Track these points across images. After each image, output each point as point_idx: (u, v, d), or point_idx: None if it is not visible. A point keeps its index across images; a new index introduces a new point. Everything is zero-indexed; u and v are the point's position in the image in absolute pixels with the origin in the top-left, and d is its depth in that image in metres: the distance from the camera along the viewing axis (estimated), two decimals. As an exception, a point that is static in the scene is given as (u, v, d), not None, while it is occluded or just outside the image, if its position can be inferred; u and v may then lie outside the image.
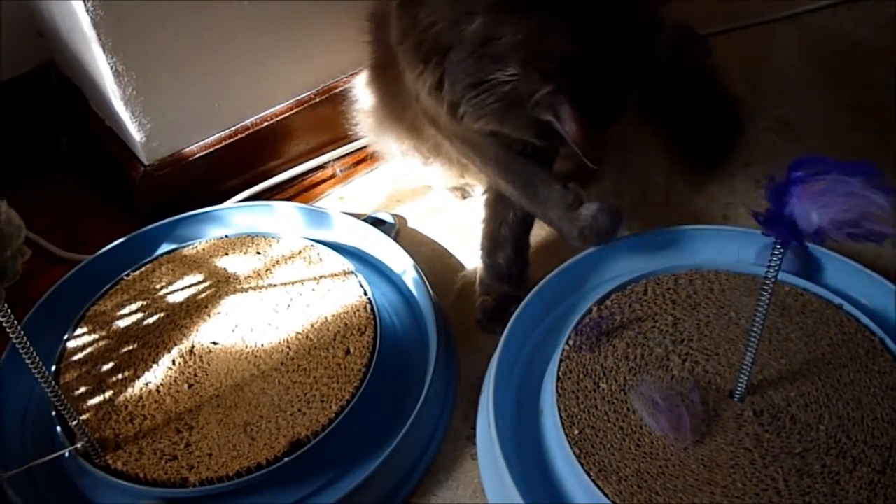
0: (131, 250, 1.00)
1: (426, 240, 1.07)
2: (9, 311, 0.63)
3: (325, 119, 1.16)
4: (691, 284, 0.89)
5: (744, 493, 0.70)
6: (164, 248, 1.02)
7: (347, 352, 0.86)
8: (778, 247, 0.62)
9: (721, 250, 0.93)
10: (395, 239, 1.02)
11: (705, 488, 0.71)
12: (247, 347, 0.87)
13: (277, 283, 0.94)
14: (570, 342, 0.83)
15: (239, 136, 1.11)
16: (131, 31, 0.96)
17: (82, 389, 0.84)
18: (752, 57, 1.32)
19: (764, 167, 1.11)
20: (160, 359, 0.87)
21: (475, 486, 0.80)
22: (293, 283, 0.94)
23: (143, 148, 1.05)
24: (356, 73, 1.08)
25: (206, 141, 1.10)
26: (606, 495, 0.70)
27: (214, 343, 0.88)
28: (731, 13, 1.38)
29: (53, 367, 0.86)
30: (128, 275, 0.96)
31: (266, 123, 1.12)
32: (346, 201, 1.15)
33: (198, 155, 1.09)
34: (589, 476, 0.72)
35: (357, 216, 1.05)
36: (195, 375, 0.85)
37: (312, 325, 0.89)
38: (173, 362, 0.87)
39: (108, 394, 0.84)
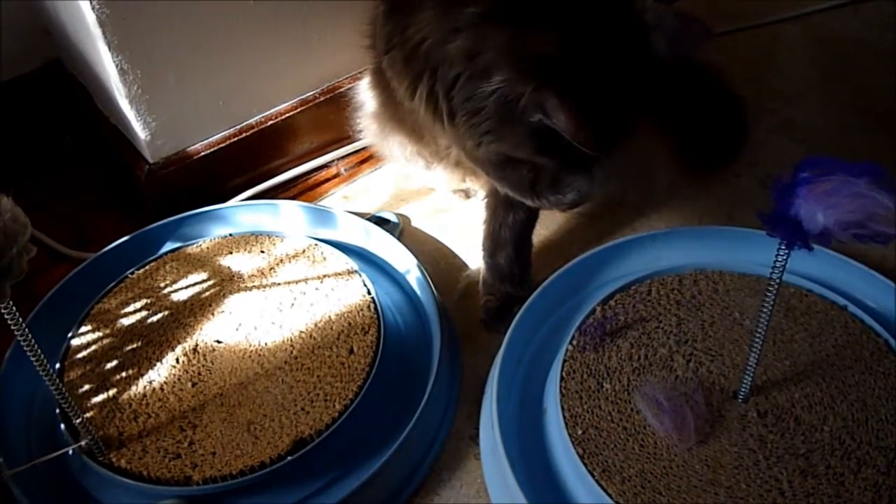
0: (136, 248, 1.00)
1: (430, 239, 1.07)
2: (13, 308, 0.63)
3: (329, 118, 1.16)
4: (696, 285, 0.88)
5: (748, 494, 0.70)
6: (169, 246, 1.03)
7: (351, 351, 0.86)
8: (783, 247, 0.62)
9: (726, 251, 0.93)
10: (399, 238, 1.02)
11: (709, 489, 0.71)
12: (250, 346, 0.87)
13: (281, 282, 0.94)
14: (574, 342, 0.83)
15: (243, 134, 1.11)
16: (137, 30, 0.96)
17: (86, 387, 0.84)
18: (758, 57, 1.32)
19: (769, 167, 1.11)
20: (164, 357, 0.87)
21: (478, 485, 0.80)
22: (297, 282, 0.94)
23: (147, 146, 1.06)
24: (360, 73, 1.08)
25: (210, 139, 1.10)
26: (610, 495, 0.70)
27: (218, 341, 0.88)
28: (736, 14, 1.37)
29: (57, 365, 0.86)
30: (132, 273, 0.97)
31: (271, 122, 1.12)
32: (350, 200, 1.15)
33: (202, 153, 1.09)
34: (592, 476, 0.72)
35: (361, 215, 1.05)
36: (199, 374, 0.85)
37: (316, 324, 0.89)
38: (177, 360, 0.87)
39: (112, 392, 0.84)
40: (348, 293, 0.92)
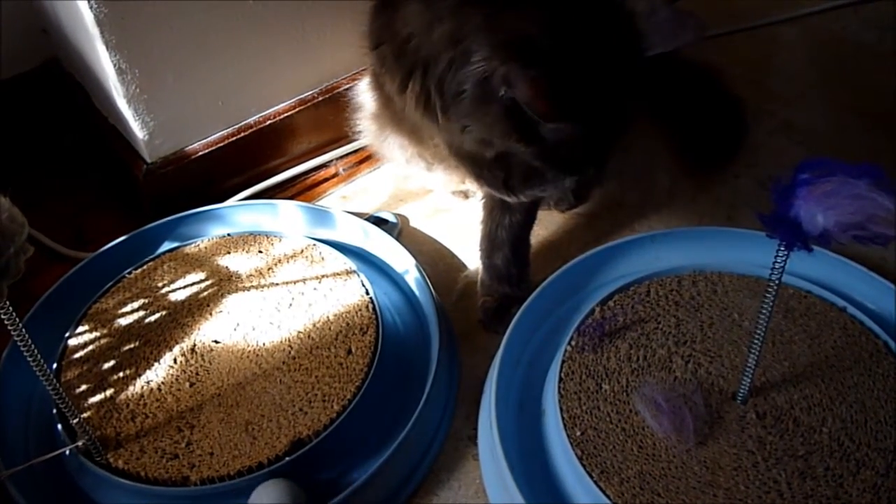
0: (133, 248, 1.00)
1: (428, 239, 1.07)
2: (10, 308, 0.63)
3: (327, 118, 1.16)
4: (695, 286, 0.88)
5: (746, 495, 0.70)
6: (167, 246, 1.02)
7: (349, 351, 0.85)
8: (782, 249, 0.62)
9: (725, 252, 0.93)
10: (398, 238, 1.02)
11: (708, 490, 0.70)
12: (248, 346, 0.87)
13: (279, 282, 0.94)
14: (573, 343, 0.83)
15: (242, 134, 1.11)
16: (135, 29, 0.96)
17: (83, 387, 0.84)
18: (757, 59, 1.32)
19: (769, 169, 1.11)
20: (162, 357, 0.87)
21: (477, 486, 0.80)
22: (295, 282, 0.94)
23: (145, 146, 1.05)
24: (359, 73, 1.08)
25: (208, 139, 1.10)
26: (608, 497, 0.70)
27: (216, 342, 0.88)
28: (735, 15, 1.37)
29: (55, 365, 0.86)
30: (130, 273, 0.96)
31: (269, 122, 1.12)
32: (349, 200, 1.15)
33: (200, 153, 1.09)
34: (591, 477, 0.72)
35: (359, 215, 1.05)
36: (197, 374, 0.85)
37: (314, 325, 0.89)
38: (175, 361, 0.86)
39: (110, 392, 0.84)
40: (346, 293, 0.92)
